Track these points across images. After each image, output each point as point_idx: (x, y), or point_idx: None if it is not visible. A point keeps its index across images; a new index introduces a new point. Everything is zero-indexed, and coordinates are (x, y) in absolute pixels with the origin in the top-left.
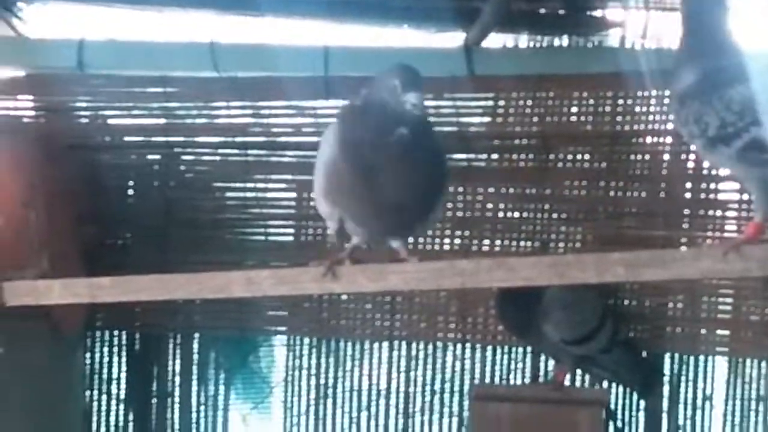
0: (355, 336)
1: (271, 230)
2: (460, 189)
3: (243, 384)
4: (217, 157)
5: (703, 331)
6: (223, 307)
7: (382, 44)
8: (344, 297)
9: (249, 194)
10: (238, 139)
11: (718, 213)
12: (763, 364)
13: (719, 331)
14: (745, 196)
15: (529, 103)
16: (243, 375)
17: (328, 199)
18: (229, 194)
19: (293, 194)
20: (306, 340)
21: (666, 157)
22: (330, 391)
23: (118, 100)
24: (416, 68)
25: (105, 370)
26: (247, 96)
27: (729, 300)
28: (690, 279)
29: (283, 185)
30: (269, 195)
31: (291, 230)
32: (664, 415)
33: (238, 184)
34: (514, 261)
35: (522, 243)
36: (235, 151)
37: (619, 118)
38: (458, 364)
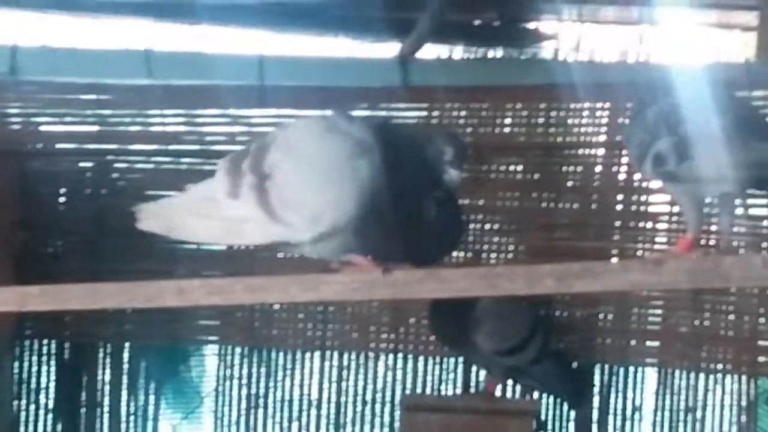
0: (286, 346)
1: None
2: None
3: (173, 394)
4: (150, 165)
5: (633, 342)
6: (154, 317)
7: (318, 54)
8: (276, 306)
9: None
10: (172, 147)
11: (649, 225)
12: (692, 375)
13: (649, 342)
14: (676, 208)
15: (463, 113)
16: (174, 385)
17: (339, 212)
18: None
19: None
20: (237, 350)
21: (598, 169)
22: (261, 401)
23: (50, 107)
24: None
25: (33, 380)
26: (181, 104)
27: (659, 311)
28: (620, 291)
29: None
30: None
31: None
32: (594, 426)
33: (171, 193)
34: (446, 272)
35: (454, 254)
36: (169, 159)
37: (552, 130)
38: (390, 374)
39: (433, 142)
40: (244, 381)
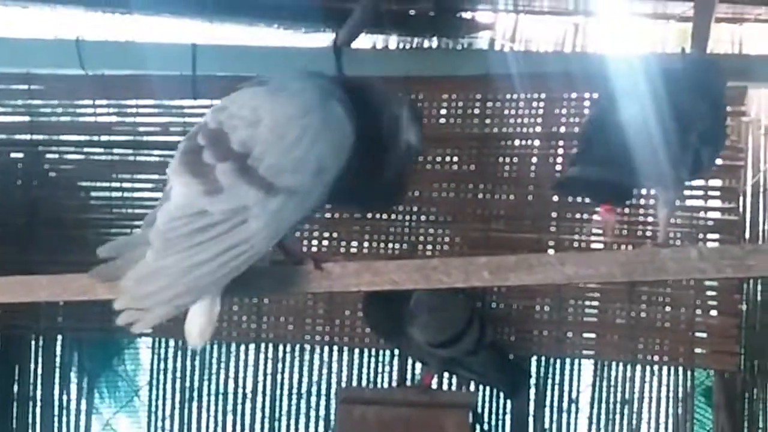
0: (221, 338)
1: (138, 230)
2: None
3: (107, 387)
4: (82, 156)
5: (569, 334)
6: (87, 309)
7: (252, 43)
8: None
9: (115, 194)
10: (104, 138)
11: (585, 216)
12: (629, 367)
13: (585, 334)
14: None
15: None
16: (107, 378)
17: (339, 158)
18: (94, 194)
19: (160, 194)
20: (171, 343)
21: (534, 160)
22: (195, 394)
23: None
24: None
25: None
26: (113, 94)
27: (595, 303)
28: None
29: (149, 185)
30: (135, 195)
31: None
32: (531, 418)
33: (103, 184)
34: (381, 264)
35: (390, 245)
36: (101, 150)
37: (487, 121)
38: (325, 366)
39: (389, 101)
40: (178, 374)
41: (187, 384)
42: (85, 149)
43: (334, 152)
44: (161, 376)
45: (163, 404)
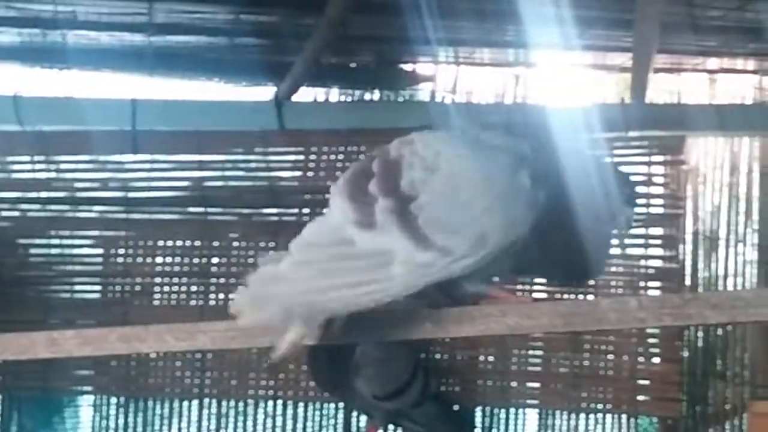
0: (163, 395)
1: (77, 287)
2: (271, 244)
3: None
4: (19, 213)
5: (513, 383)
6: (27, 367)
7: (193, 97)
8: (153, 355)
9: (53, 251)
10: (42, 194)
11: None
12: (573, 415)
13: (529, 384)
14: None
15: (340, 157)
16: None
17: (509, 232)
18: (32, 251)
19: (100, 250)
20: (113, 400)
21: None
22: None
23: None
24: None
25: None
26: (51, 150)
27: (539, 353)
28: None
29: (89, 241)
30: (74, 251)
31: (98, 287)
32: None
33: (41, 241)
34: None
35: None
36: (38, 207)
37: None
38: (270, 421)
39: (608, 172)
40: (120, 431)
41: None
42: (23, 206)
43: (505, 226)
44: None
45: None
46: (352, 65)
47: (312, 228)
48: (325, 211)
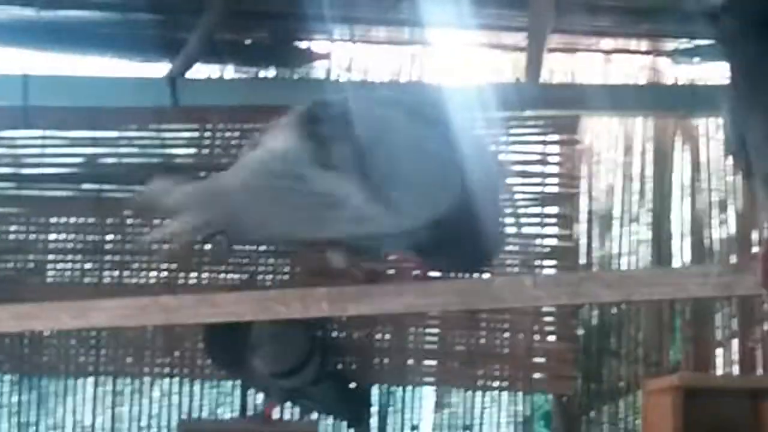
0: (58, 372)
1: None
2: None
3: None
4: None
5: (410, 361)
6: None
7: (85, 73)
8: (47, 333)
9: None
10: None
11: None
12: (469, 393)
13: (426, 362)
14: None
15: (236, 134)
16: None
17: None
18: None
19: None
20: (7, 378)
21: None
22: (32, 430)
23: None
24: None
25: None
26: None
27: (435, 331)
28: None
29: None
30: None
31: None
32: None
33: None
34: (219, 297)
35: (229, 276)
36: None
37: None
38: (165, 398)
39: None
40: (14, 409)
41: (24, 419)
42: None
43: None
44: None
45: None
46: (247, 42)
47: (260, 156)
48: (265, 142)
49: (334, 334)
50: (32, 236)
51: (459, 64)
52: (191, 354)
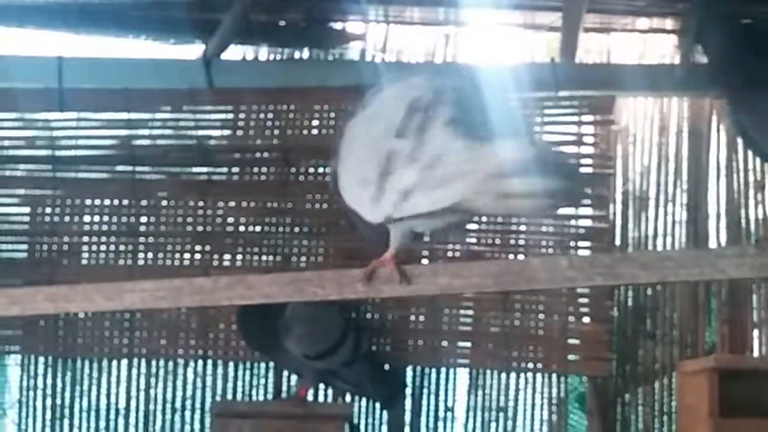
0: (92, 354)
1: (4, 247)
2: (200, 203)
3: None
4: None
5: (444, 343)
6: None
7: (120, 55)
8: (81, 315)
9: None
10: None
11: None
12: (503, 374)
13: (460, 343)
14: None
15: (270, 116)
16: None
17: None
18: None
19: (27, 209)
20: (41, 360)
21: None
22: (67, 411)
23: None
24: None
25: None
26: None
27: (470, 312)
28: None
29: (15, 200)
30: (1, 210)
31: (24, 246)
32: (407, 427)
33: None
34: (253, 278)
35: (263, 257)
36: None
37: None
38: (199, 380)
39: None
40: (49, 391)
41: (58, 401)
42: None
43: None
44: (31, 394)
45: (33, 422)
46: (282, 23)
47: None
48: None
49: (369, 315)
50: (67, 218)
51: (493, 44)
52: (225, 336)
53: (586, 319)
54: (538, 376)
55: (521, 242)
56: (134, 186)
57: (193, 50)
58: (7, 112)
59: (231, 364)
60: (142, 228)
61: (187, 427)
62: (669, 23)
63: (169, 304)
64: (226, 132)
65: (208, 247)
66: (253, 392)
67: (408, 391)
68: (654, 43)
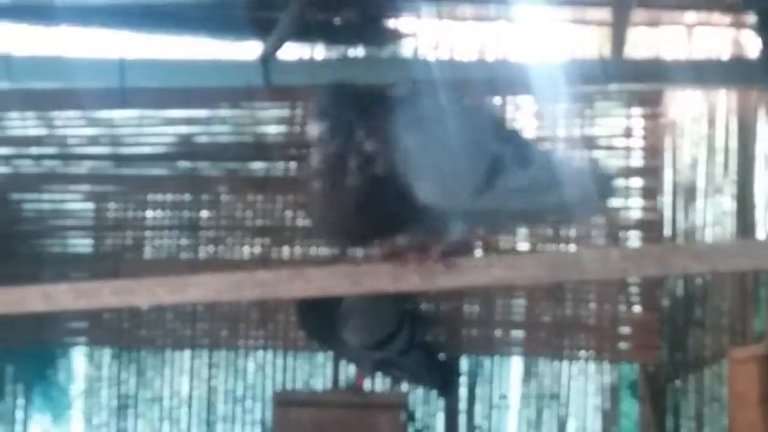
0: (156, 345)
1: (69, 242)
2: (259, 197)
3: (43, 397)
4: (11, 169)
5: (497, 332)
6: (20, 320)
7: (179, 55)
8: (145, 307)
9: (45, 206)
10: (33, 150)
11: None
12: (556, 362)
13: (513, 332)
14: None
15: None
16: (42, 388)
17: None
18: (24, 206)
19: (91, 205)
20: (106, 351)
21: None
22: (131, 401)
23: None
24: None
25: None
26: (41, 107)
27: (522, 302)
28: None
29: (79, 196)
30: (66, 206)
31: (89, 241)
32: (462, 415)
33: (33, 196)
34: (312, 271)
35: (320, 250)
36: (29, 163)
37: None
38: (260, 370)
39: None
40: (114, 381)
41: (123, 391)
42: (15, 162)
43: None
44: (96, 384)
45: (99, 412)
46: (337, 22)
47: None
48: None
49: (424, 305)
50: (130, 214)
51: (544, 39)
52: (285, 327)
53: (637, 308)
54: (591, 363)
55: (572, 234)
56: (194, 181)
57: (250, 49)
58: (71, 110)
59: (291, 354)
60: (203, 222)
61: (249, 417)
62: (716, 17)
63: (230, 297)
64: (283, 128)
65: (267, 241)
66: (312, 382)
67: (462, 379)
68: (701, 37)
